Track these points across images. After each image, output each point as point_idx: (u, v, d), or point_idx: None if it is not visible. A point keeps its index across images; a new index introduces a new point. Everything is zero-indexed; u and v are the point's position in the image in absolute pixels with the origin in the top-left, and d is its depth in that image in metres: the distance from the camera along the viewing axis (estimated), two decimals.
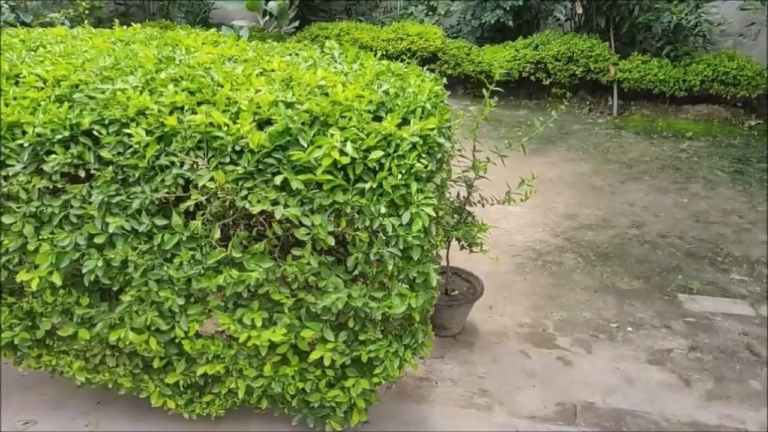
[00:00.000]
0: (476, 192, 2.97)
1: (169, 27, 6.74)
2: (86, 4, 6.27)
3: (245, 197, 1.93)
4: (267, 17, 3.66)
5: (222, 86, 2.06)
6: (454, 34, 6.95)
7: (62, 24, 4.45)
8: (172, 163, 1.94)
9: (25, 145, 1.95)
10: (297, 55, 2.42)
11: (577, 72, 6.51)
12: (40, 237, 2.07)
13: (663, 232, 4.50)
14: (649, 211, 4.81)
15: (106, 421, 2.73)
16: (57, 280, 2.10)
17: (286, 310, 2.10)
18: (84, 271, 2.09)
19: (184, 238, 2.02)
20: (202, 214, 1.99)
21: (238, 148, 1.91)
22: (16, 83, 2.11)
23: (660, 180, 5.43)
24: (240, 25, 2.94)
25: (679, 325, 3.42)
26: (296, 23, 3.05)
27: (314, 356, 2.18)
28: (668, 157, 5.97)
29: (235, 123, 1.92)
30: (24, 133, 1.97)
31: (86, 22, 4.71)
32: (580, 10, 6.48)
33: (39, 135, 1.95)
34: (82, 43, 2.40)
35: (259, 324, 2.13)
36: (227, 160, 1.93)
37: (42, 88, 2.09)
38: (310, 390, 2.30)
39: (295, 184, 1.89)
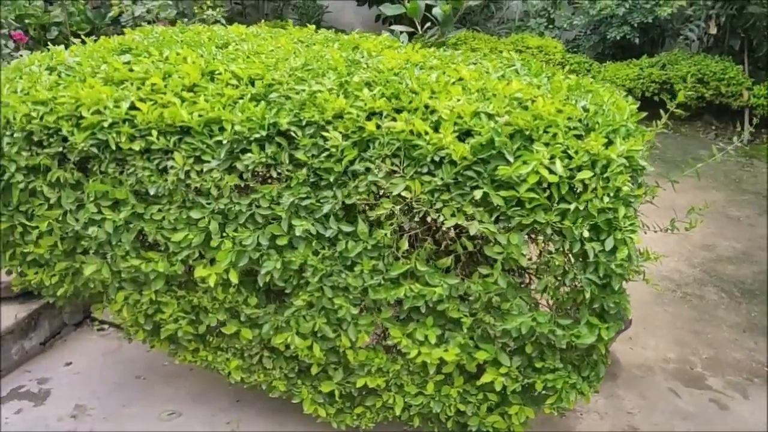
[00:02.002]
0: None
1: (285, 27, 6.84)
2: (210, 2, 6.45)
3: (439, 210, 1.86)
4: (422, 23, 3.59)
5: (416, 93, 2.00)
6: (573, 49, 6.75)
7: (217, 22, 4.55)
8: (367, 169, 1.89)
9: (224, 142, 1.94)
10: (478, 63, 2.33)
11: (706, 95, 6.20)
12: (224, 234, 2.06)
13: None
14: None
15: (246, 421, 2.73)
16: (234, 278, 2.09)
17: (465, 330, 2.01)
18: (262, 271, 2.07)
19: (369, 247, 1.96)
20: (390, 224, 1.93)
21: (437, 158, 1.84)
22: (212, 79, 2.12)
23: None
24: (400, 30, 2.91)
25: None
26: (459, 31, 3.00)
27: (485, 379, 2.08)
28: None
29: (436, 132, 1.85)
30: (221, 130, 1.97)
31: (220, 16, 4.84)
32: (713, 30, 6.16)
33: (236, 133, 1.94)
34: (266, 42, 2.40)
35: (432, 341, 2.05)
36: (425, 170, 1.86)
37: (236, 86, 2.08)
38: (470, 413, 2.21)
39: (496, 200, 1.81)
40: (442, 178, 1.84)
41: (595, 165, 1.83)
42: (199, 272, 2.14)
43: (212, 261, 2.13)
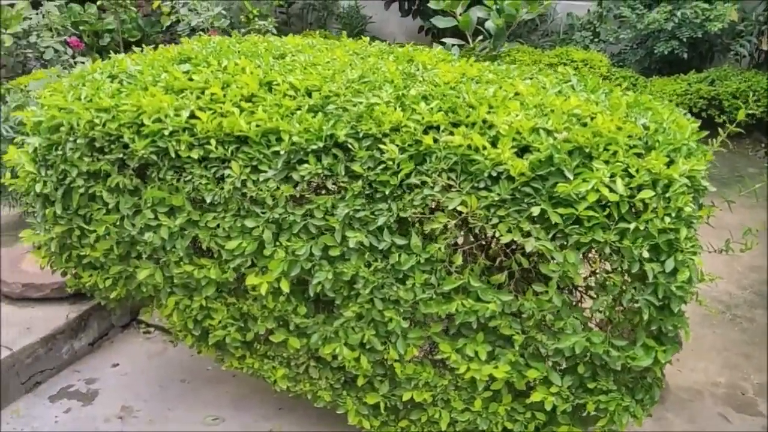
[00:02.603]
0: None
1: (329, 37, 6.90)
2: (257, 11, 6.55)
3: (495, 225, 1.85)
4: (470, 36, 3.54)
5: (474, 107, 1.99)
6: (619, 63, 6.67)
7: (269, 32, 4.62)
8: (423, 183, 1.89)
9: (281, 153, 1.96)
10: (534, 78, 2.32)
11: (756, 112, 6.05)
12: (277, 243, 2.08)
13: None
14: None
15: (288, 429, 2.74)
16: (285, 287, 2.11)
17: (516, 347, 1.99)
18: (314, 282, 2.07)
19: (422, 261, 1.96)
20: (444, 238, 1.93)
21: (494, 173, 1.83)
22: (270, 90, 2.15)
23: None
24: (452, 43, 2.90)
25: None
26: (511, 45, 2.98)
27: (535, 398, 2.05)
28: None
29: (494, 147, 1.84)
30: (279, 140, 1.99)
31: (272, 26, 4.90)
32: (765, 47, 6.02)
33: (294, 144, 1.96)
34: (322, 53, 2.42)
35: (482, 357, 2.03)
36: (481, 185, 1.85)
37: (294, 97, 2.10)
38: (518, 431, 2.18)
39: (554, 218, 1.78)
40: (499, 194, 1.82)
41: (656, 184, 1.79)
42: (251, 280, 2.16)
43: (264, 269, 2.15)
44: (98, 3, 5.92)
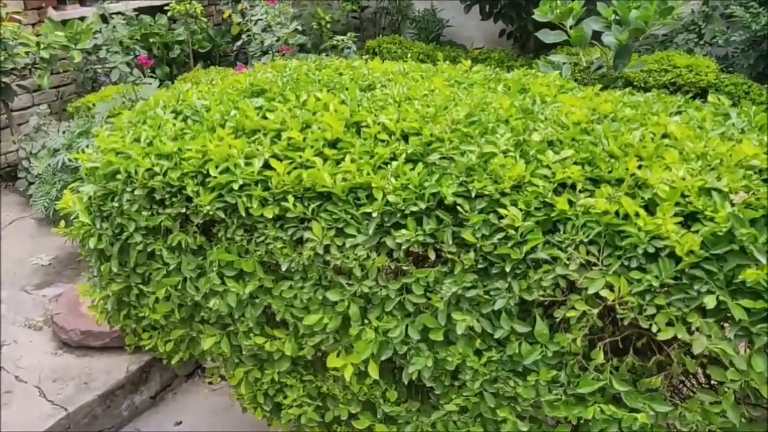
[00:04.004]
0: None
1: (436, 62, 6.51)
2: (329, 17, 6.24)
3: (651, 317, 1.41)
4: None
5: (616, 158, 1.56)
6: (728, 68, 6.00)
7: (348, 49, 4.27)
8: (555, 258, 1.47)
9: (374, 214, 1.59)
10: (684, 113, 1.86)
11: None
12: (366, 321, 1.71)
13: None
14: None
15: None
16: (374, 373, 1.74)
17: None
18: (409, 369, 1.70)
19: (549, 354, 1.54)
20: (580, 328, 1.50)
21: (651, 250, 1.40)
22: (358, 132, 1.78)
23: None
24: (561, 61, 2.47)
25: None
26: (639, 66, 2.55)
27: None
28: None
29: (650, 215, 1.41)
30: (370, 198, 1.62)
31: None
32: None
33: (389, 203, 1.58)
34: (417, 84, 2.03)
35: None
36: (633, 264, 1.42)
37: (386, 142, 1.73)
38: None
39: (736, 312, 1.34)
40: (657, 277, 1.39)
41: None
42: (333, 361, 1.80)
43: (348, 348, 1.78)
44: (168, 14, 5.74)
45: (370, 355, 1.71)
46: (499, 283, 1.53)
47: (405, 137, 1.75)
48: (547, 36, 2.63)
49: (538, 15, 2.61)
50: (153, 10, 6.01)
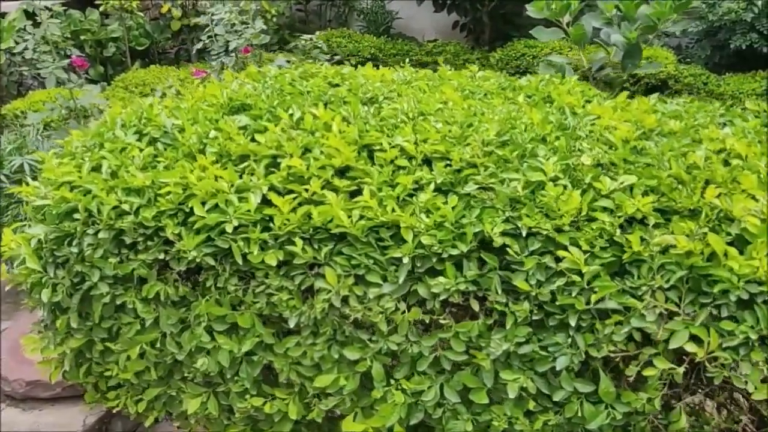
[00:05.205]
0: None
1: (359, 40, 6.22)
2: (274, 10, 5.87)
3: (747, 376, 1.21)
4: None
5: (683, 183, 1.35)
6: (684, 59, 5.99)
7: (317, 49, 3.86)
8: (627, 308, 1.25)
9: (404, 260, 1.32)
10: (728, 124, 1.66)
11: None
12: (391, 381, 1.45)
13: None
14: None
15: None
16: None
17: None
18: None
19: (617, 416, 1.32)
20: (656, 388, 1.29)
21: (745, 296, 1.19)
22: (370, 156, 1.50)
23: None
24: (561, 62, 2.26)
25: None
26: (651, 67, 2.35)
27: None
28: None
29: (741, 253, 1.21)
30: (395, 237, 1.35)
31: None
32: None
33: (421, 245, 1.32)
34: (426, 95, 1.76)
35: None
36: (724, 313, 1.21)
37: (407, 169, 1.46)
38: None
39: None
40: (753, 327, 1.18)
41: None
42: (349, 426, 1.53)
43: (368, 410, 1.52)
44: (101, 8, 5.24)
45: (399, 420, 1.45)
46: (560, 338, 1.29)
47: (427, 162, 1.49)
48: (541, 34, 2.41)
49: (532, 11, 2.38)
50: (82, 5, 5.50)
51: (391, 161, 1.48)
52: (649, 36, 2.25)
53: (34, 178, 2.88)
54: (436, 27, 7.33)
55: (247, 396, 1.62)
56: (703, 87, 5.61)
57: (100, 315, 1.64)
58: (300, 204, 1.42)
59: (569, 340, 1.29)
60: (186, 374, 1.68)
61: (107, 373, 1.78)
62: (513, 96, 1.79)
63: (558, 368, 1.30)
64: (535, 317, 1.31)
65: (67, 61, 3.13)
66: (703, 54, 5.90)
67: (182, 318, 1.58)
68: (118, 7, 5.21)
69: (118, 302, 1.60)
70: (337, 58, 3.54)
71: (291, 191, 1.45)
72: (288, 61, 3.28)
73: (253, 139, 1.59)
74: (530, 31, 2.47)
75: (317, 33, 4.12)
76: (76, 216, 1.55)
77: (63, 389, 2.43)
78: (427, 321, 1.37)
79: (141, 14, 5.52)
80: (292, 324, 1.44)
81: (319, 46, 3.85)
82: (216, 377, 1.65)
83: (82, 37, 5.33)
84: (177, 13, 5.41)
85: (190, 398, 1.71)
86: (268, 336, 1.51)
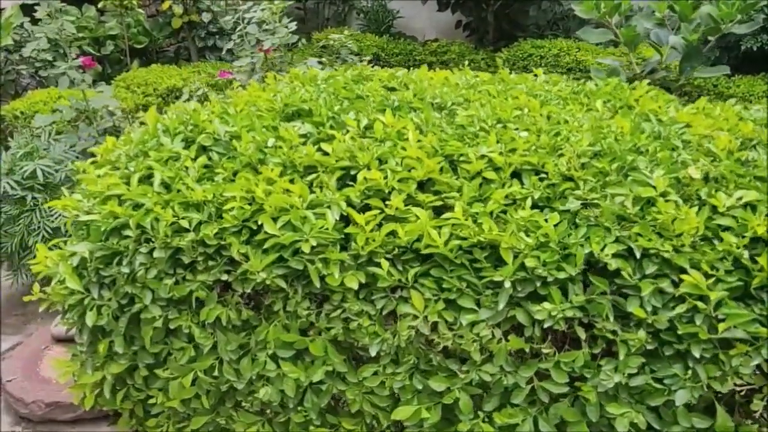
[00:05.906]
0: None
1: (363, 40, 6.10)
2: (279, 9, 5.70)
3: None
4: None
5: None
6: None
7: (345, 46, 3.70)
8: (756, 337, 1.14)
9: (506, 284, 1.20)
10: None
11: None
12: (479, 413, 1.33)
13: None
14: None
15: None
16: None
17: None
18: None
19: None
20: None
21: None
22: (453, 168, 1.38)
23: None
24: (615, 65, 2.15)
25: None
26: (716, 71, 2.27)
27: None
28: None
29: None
30: (491, 258, 1.23)
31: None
32: None
33: (523, 268, 1.20)
34: (498, 100, 1.64)
35: None
36: None
37: (495, 183, 1.34)
38: None
39: None
40: None
41: None
42: None
43: None
44: (99, 5, 5.05)
45: None
46: (678, 368, 1.18)
47: (515, 175, 1.37)
48: (590, 35, 2.31)
49: (581, 11, 2.28)
50: (79, 1, 5.31)
51: (478, 173, 1.36)
52: (710, 38, 2.16)
53: (46, 185, 2.74)
54: (437, 26, 7.23)
55: (311, 427, 1.49)
56: (713, 89, 5.56)
57: (150, 340, 1.50)
58: (382, 221, 1.29)
59: (688, 372, 1.18)
60: (240, 401, 1.55)
61: (151, 401, 1.64)
62: (590, 102, 1.68)
63: (678, 403, 1.19)
64: (650, 347, 1.20)
65: (78, 61, 2.95)
66: (713, 56, 5.86)
67: (242, 344, 1.45)
68: (117, 3, 5.03)
69: (171, 326, 1.46)
70: (366, 59, 3.42)
71: (368, 206, 1.32)
72: (319, 62, 3.14)
73: (319, 149, 1.46)
74: (577, 32, 2.38)
75: (345, 31, 3.98)
76: (127, 233, 1.41)
77: (85, 411, 2.27)
78: (526, 350, 1.26)
79: (141, 11, 5.34)
80: (373, 352, 1.31)
81: (348, 45, 3.72)
82: (275, 406, 1.52)
83: (80, 35, 5.14)
84: (178, 10, 5.24)
85: (241, 427, 1.58)
86: (341, 364, 1.39)
